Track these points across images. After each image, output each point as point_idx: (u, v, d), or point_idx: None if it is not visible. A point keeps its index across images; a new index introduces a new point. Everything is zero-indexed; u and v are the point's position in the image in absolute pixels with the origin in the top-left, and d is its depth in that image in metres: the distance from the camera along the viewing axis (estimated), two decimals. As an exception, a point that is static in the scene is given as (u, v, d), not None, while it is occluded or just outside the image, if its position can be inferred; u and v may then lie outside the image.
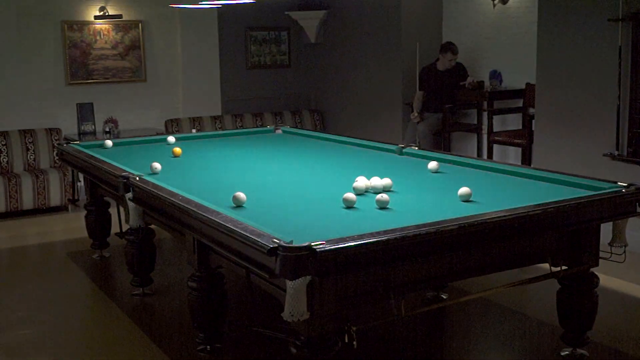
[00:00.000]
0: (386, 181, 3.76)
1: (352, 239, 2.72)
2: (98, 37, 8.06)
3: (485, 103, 7.40)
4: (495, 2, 7.35)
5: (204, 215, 3.22)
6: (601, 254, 3.55)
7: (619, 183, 3.58)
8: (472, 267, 3.20)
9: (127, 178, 4.18)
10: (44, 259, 5.98)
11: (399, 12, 7.95)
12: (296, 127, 7.59)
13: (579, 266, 3.53)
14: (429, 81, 7.62)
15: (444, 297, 4.50)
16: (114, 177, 4.36)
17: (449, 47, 7.46)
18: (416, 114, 7.67)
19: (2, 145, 7.23)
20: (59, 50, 7.90)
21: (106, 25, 8.07)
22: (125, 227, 4.75)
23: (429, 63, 7.71)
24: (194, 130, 7.65)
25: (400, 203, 3.48)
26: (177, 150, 5.09)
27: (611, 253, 3.51)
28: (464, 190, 3.49)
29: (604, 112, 5.55)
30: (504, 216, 3.09)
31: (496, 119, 7.33)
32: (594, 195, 3.43)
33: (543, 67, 6.07)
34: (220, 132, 6.82)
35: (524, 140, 6.63)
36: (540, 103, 6.13)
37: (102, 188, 5.10)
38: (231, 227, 2.96)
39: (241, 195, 3.47)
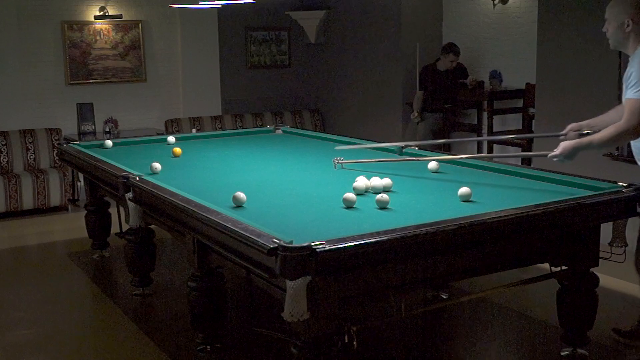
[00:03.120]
0: (386, 181, 3.76)
1: (352, 239, 2.72)
2: (98, 37, 8.06)
3: (485, 103, 7.40)
4: (495, 2, 7.35)
5: (204, 215, 3.22)
6: (601, 254, 3.55)
7: (619, 183, 3.58)
8: (472, 267, 3.20)
9: (127, 178, 4.18)
10: (44, 259, 5.98)
11: (399, 12, 7.95)
12: (296, 127, 7.59)
13: (579, 266, 3.53)
14: (429, 81, 7.62)
15: (444, 297, 4.50)
16: (114, 177, 4.36)
17: (452, 49, 7.46)
18: (416, 114, 7.67)
19: (2, 145, 7.23)
20: (59, 50, 7.90)
21: (106, 25, 8.06)
22: (125, 227, 4.75)
23: (430, 63, 7.71)
24: (194, 130, 7.65)
25: (400, 203, 3.48)
26: (177, 150, 5.09)
27: (611, 253, 3.51)
28: (464, 190, 3.49)
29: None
30: (504, 216, 3.09)
31: (496, 119, 7.33)
32: (593, 195, 3.43)
33: (543, 67, 6.07)
34: (220, 132, 6.82)
35: (523, 140, 6.62)
36: (540, 103, 6.13)
37: (102, 188, 5.10)
38: (231, 227, 2.97)
39: (241, 195, 3.47)
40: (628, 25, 3.52)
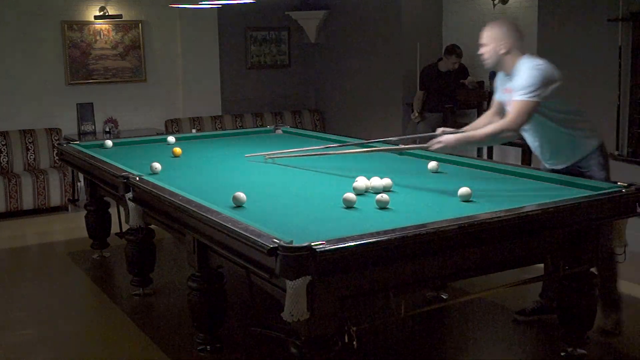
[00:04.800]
0: (386, 181, 3.76)
1: (352, 239, 2.72)
2: (98, 37, 8.06)
3: (485, 103, 7.40)
4: (495, 2, 7.35)
5: (204, 215, 3.22)
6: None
7: (619, 183, 3.58)
8: (472, 267, 3.20)
9: (127, 178, 4.18)
10: (44, 259, 5.98)
11: (399, 12, 7.95)
12: (296, 127, 7.59)
13: (579, 266, 3.53)
14: (430, 81, 7.61)
15: (444, 297, 4.50)
16: (114, 177, 4.36)
17: (455, 51, 7.45)
18: (416, 114, 7.67)
19: (2, 145, 7.23)
20: (59, 50, 7.90)
21: (106, 25, 8.06)
22: (125, 227, 4.75)
23: (431, 63, 7.71)
24: (194, 130, 7.65)
25: (400, 203, 3.48)
26: (177, 150, 5.09)
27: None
28: (464, 190, 3.49)
29: (604, 112, 5.55)
30: (504, 216, 3.09)
31: (496, 119, 7.31)
32: (593, 195, 3.43)
33: (543, 67, 6.06)
34: (220, 132, 6.82)
35: (524, 140, 6.61)
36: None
37: (102, 188, 5.10)
38: (231, 227, 2.97)
39: (241, 195, 3.47)
40: (502, 49, 3.91)
